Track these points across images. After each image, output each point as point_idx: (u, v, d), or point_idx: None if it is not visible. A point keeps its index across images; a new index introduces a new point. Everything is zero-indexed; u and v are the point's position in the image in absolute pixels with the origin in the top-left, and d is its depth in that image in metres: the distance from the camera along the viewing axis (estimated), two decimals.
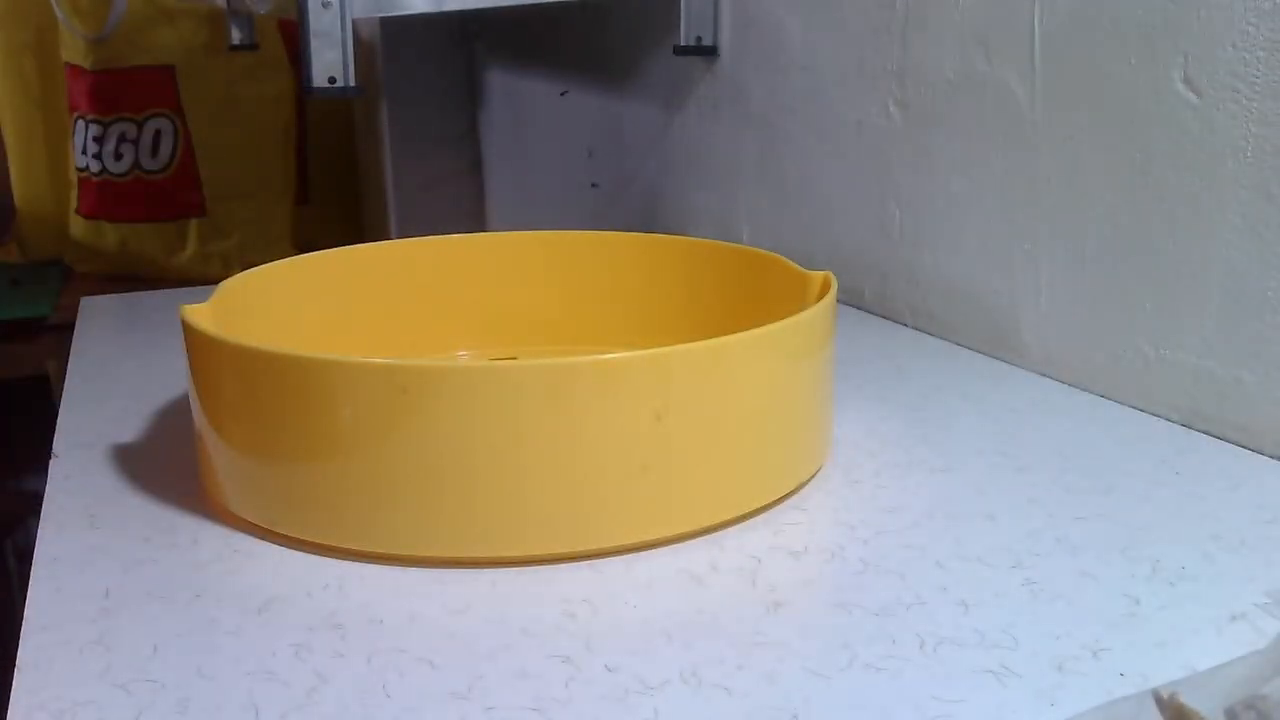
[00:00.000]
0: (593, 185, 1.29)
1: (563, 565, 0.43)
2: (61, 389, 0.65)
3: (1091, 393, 0.63)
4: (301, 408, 0.44)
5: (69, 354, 0.73)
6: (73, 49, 1.23)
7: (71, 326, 0.79)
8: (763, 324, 0.47)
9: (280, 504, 0.45)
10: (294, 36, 1.42)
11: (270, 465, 0.46)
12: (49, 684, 0.36)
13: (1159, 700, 0.31)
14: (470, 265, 0.67)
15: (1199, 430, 0.57)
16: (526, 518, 0.43)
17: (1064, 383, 0.65)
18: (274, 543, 0.45)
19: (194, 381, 0.48)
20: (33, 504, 0.49)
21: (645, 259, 0.66)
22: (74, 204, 1.29)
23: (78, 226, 1.29)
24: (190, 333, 0.48)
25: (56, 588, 0.42)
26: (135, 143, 1.24)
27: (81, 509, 0.48)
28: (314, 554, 0.44)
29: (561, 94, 1.36)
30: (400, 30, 1.61)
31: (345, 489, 0.44)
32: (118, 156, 1.24)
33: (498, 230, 0.76)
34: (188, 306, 0.49)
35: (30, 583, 0.42)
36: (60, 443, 0.56)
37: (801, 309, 0.50)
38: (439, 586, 0.42)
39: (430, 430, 0.42)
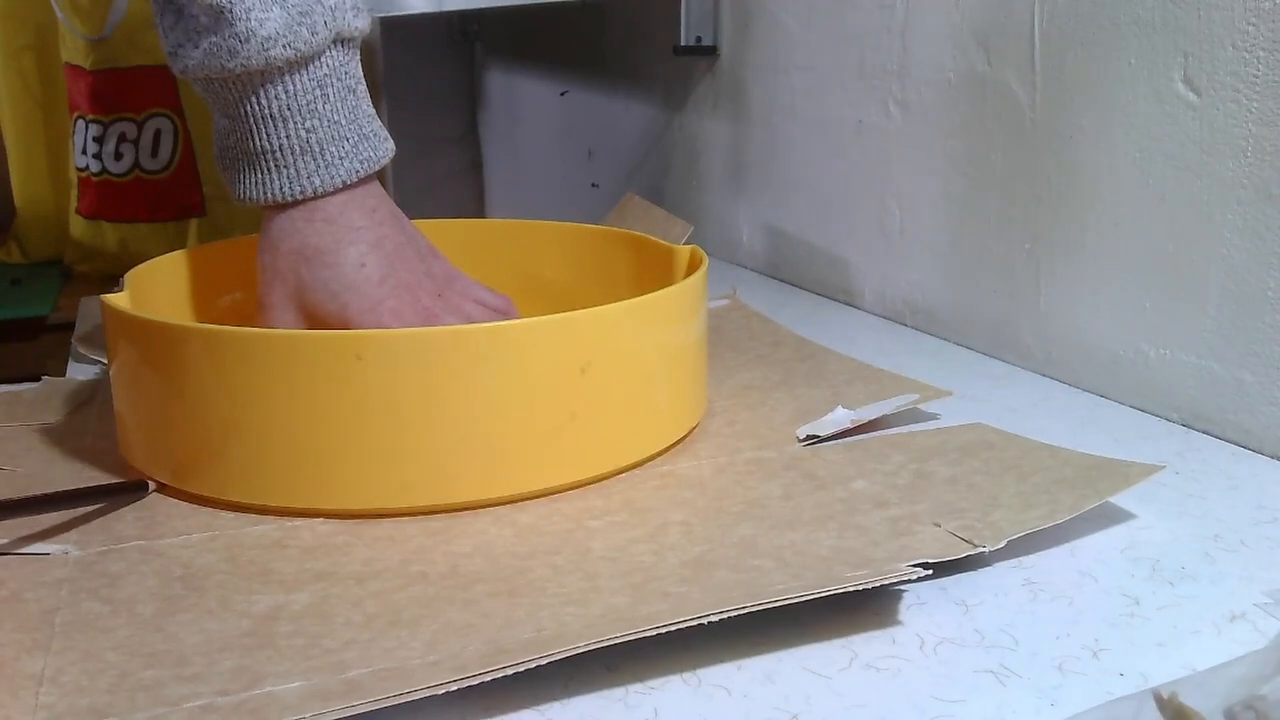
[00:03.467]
0: (593, 185, 1.29)
1: (502, 508, 0.47)
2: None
3: (1091, 393, 0.63)
4: (267, 379, 0.46)
5: (69, 354, 0.73)
6: (73, 49, 1.23)
7: (71, 326, 0.79)
8: (652, 290, 0.53)
9: (235, 470, 0.48)
10: None
11: (230, 433, 0.47)
12: None
13: (1159, 700, 0.31)
14: None
15: (1199, 430, 0.57)
16: (464, 466, 0.47)
17: (1064, 383, 0.65)
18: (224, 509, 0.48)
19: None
20: None
21: (535, 241, 0.72)
22: (74, 204, 1.29)
23: (78, 226, 1.29)
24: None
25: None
26: (135, 143, 1.24)
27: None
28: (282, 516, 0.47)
29: (561, 94, 1.36)
30: (400, 30, 1.61)
31: (308, 453, 0.46)
32: (118, 156, 1.24)
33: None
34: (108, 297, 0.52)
35: None
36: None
37: (681, 278, 0.57)
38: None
39: (385, 390, 0.46)
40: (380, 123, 0.55)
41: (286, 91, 0.51)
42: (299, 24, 0.50)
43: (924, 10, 0.73)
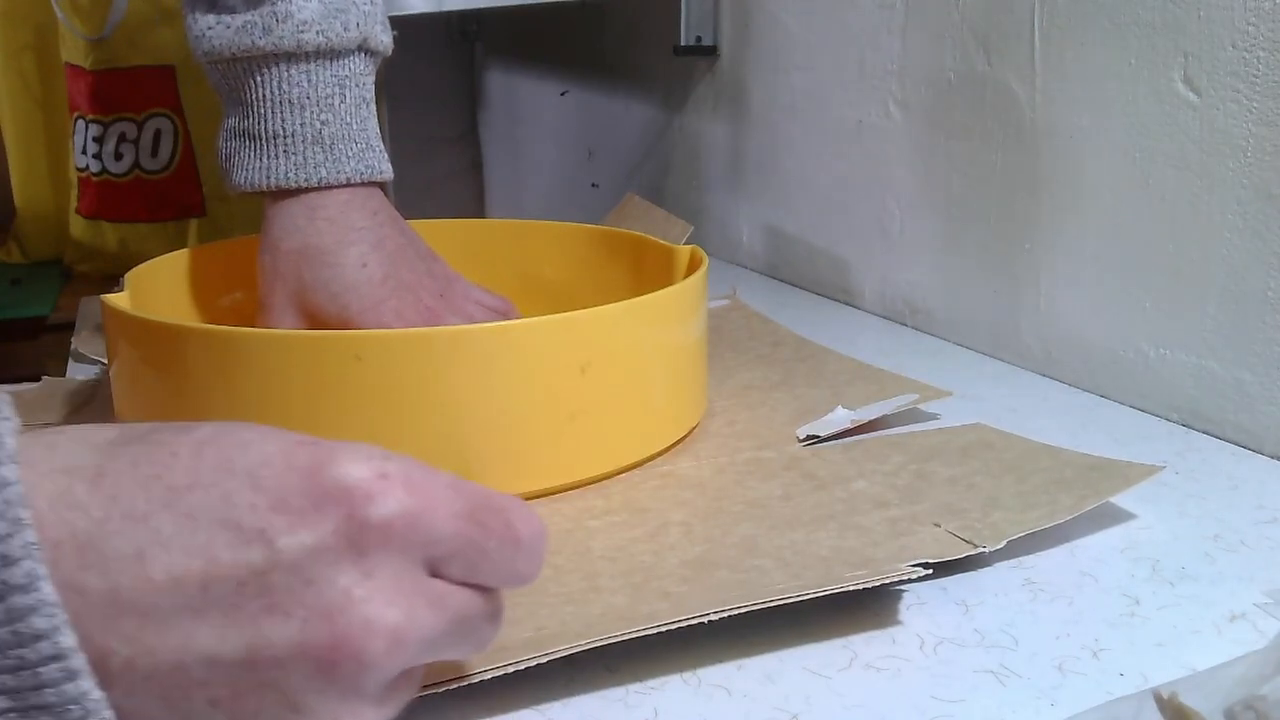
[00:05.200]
0: (593, 185, 1.29)
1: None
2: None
3: (1091, 393, 0.63)
4: (267, 379, 0.46)
5: (69, 354, 0.73)
6: (73, 49, 1.22)
7: (71, 326, 0.79)
8: (652, 290, 0.52)
9: None
10: None
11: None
12: None
13: (1159, 700, 0.31)
14: None
15: (1199, 430, 0.57)
16: (464, 466, 0.46)
17: (1064, 383, 0.65)
18: None
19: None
20: None
21: (535, 241, 0.72)
22: (74, 204, 1.29)
23: (78, 226, 1.29)
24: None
25: None
26: (135, 143, 1.24)
27: None
28: None
29: (561, 94, 1.36)
30: (400, 30, 1.60)
31: None
32: (118, 156, 1.24)
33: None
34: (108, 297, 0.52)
35: None
36: None
37: (681, 278, 0.57)
38: None
39: (385, 390, 0.45)
40: (384, 146, 0.56)
41: (309, 80, 0.52)
42: (334, 17, 0.52)
43: (924, 10, 0.73)
